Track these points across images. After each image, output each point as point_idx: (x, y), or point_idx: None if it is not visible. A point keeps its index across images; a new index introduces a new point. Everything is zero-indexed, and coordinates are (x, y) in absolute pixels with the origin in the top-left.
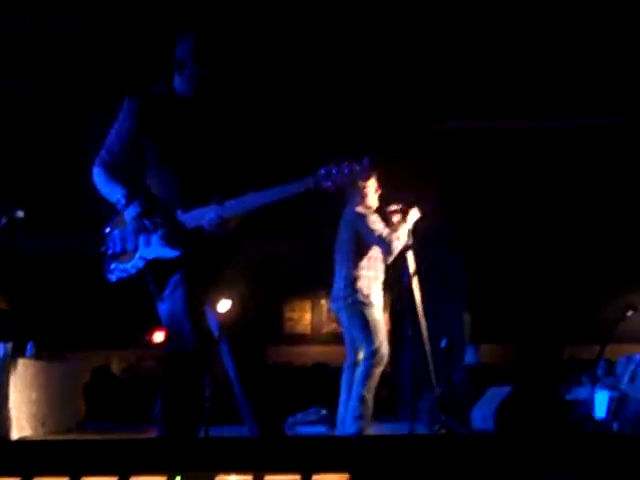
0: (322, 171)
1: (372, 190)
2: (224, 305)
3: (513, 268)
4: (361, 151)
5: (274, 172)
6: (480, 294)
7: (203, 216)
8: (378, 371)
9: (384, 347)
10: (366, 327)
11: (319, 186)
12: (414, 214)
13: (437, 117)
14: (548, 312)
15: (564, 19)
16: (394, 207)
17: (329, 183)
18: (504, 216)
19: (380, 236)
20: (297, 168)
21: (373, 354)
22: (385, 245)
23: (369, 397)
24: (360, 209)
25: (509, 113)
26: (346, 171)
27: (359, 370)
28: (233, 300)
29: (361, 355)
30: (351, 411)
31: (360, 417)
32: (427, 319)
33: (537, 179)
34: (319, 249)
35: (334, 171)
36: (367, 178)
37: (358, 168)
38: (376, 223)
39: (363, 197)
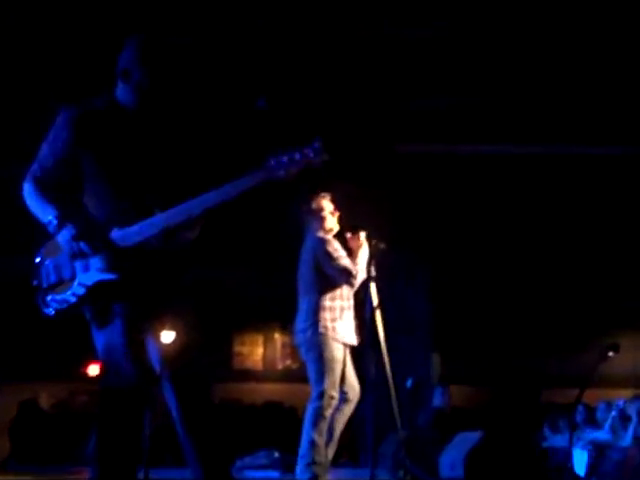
0: (272, 162)
1: (329, 212)
2: (167, 336)
3: (485, 303)
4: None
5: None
6: (449, 331)
7: (147, 229)
8: (328, 413)
9: (336, 389)
10: (318, 362)
11: (272, 176)
12: (375, 241)
13: (402, 138)
14: (523, 352)
15: (536, 37)
16: (354, 233)
17: (282, 172)
18: (475, 246)
19: (339, 265)
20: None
21: (321, 395)
22: (345, 276)
23: (321, 441)
24: (320, 234)
25: (477, 138)
26: (297, 157)
27: (308, 412)
28: (177, 331)
29: (312, 395)
30: (302, 458)
31: (312, 463)
32: (391, 357)
33: (514, 207)
34: (273, 279)
35: (284, 159)
36: (320, 163)
37: (310, 152)
38: (337, 251)
39: (321, 220)
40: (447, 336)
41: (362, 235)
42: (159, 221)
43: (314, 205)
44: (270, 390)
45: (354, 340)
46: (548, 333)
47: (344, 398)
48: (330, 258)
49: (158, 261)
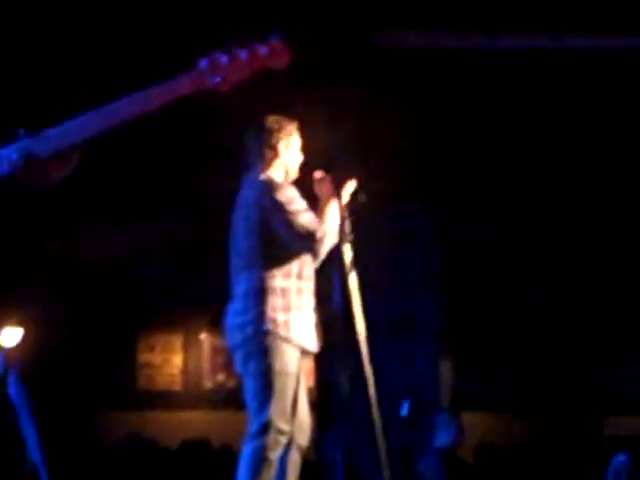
0: (204, 63)
1: (291, 145)
2: (11, 336)
3: (522, 289)
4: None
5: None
6: (469, 327)
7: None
8: (275, 456)
9: (287, 420)
10: (263, 378)
11: (202, 85)
12: (351, 187)
13: (385, 23)
14: (575, 362)
15: None
16: (319, 175)
17: (217, 79)
18: (509, 185)
19: (297, 223)
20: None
21: (265, 429)
22: (305, 241)
23: None
24: (268, 176)
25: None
26: (244, 56)
27: (244, 455)
28: (28, 327)
29: (250, 428)
30: None
31: None
32: (376, 365)
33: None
34: (198, 248)
35: (223, 60)
36: (282, 63)
37: (264, 49)
38: (294, 201)
39: (275, 155)
40: (463, 337)
41: (330, 176)
42: (22, 148)
43: (271, 131)
44: (193, 421)
45: (313, 344)
46: (612, 333)
47: (290, 440)
48: (283, 212)
49: (5, 208)
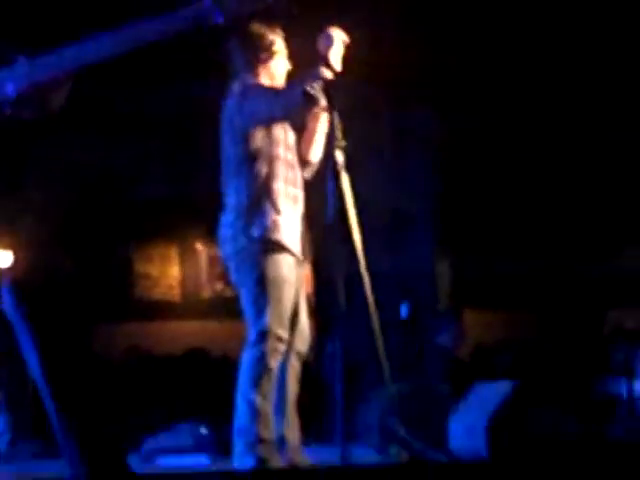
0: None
1: (275, 49)
2: (2, 258)
3: (521, 175)
4: None
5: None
6: (467, 222)
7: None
8: (275, 363)
9: (285, 327)
10: (258, 285)
11: (204, 22)
12: (336, 38)
13: None
14: (577, 251)
15: None
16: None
17: (219, 17)
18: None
19: (268, 98)
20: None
21: (263, 336)
22: (278, 105)
23: (266, 406)
24: (248, 84)
25: None
26: None
27: (243, 363)
28: (17, 250)
29: (249, 337)
30: (240, 433)
31: (256, 441)
32: (372, 267)
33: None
34: (193, 156)
35: None
36: (287, 7)
37: None
38: (261, 87)
39: (257, 65)
40: (461, 232)
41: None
42: (19, 76)
43: (256, 38)
44: (192, 331)
45: (299, 250)
46: (613, 222)
47: (289, 347)
48: (258, 90)
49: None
